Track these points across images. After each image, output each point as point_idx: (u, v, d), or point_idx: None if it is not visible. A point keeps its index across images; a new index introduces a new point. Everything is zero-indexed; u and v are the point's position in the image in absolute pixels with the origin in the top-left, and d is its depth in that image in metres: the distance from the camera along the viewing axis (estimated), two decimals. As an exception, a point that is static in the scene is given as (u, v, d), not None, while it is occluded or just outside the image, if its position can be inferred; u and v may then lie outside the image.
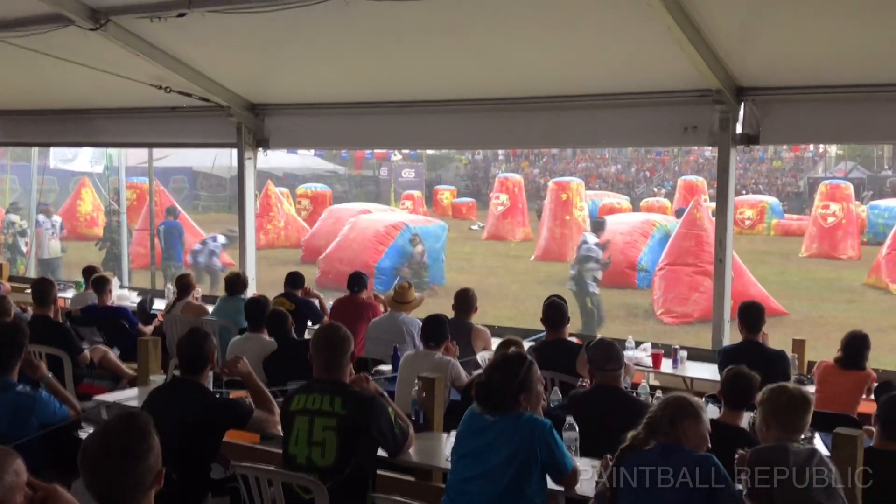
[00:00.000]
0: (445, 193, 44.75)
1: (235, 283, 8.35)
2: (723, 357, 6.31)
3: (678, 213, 18.44)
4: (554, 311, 6.50)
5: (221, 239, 17.97)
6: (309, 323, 7.78)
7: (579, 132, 8.32)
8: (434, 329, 6.08)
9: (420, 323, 7.42)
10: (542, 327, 6.60)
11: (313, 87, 9.27)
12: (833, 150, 54.26)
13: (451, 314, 7.12)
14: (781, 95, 7.22)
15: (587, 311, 13.67)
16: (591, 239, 14.21)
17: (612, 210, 29.20)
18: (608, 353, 4.94)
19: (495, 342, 7.27)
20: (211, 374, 5.69)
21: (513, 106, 8.41)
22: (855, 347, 5.93)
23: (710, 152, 53.48)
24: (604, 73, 7.67)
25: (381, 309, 8.13)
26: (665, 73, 7.34)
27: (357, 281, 8.35)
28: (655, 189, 45.93)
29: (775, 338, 6.92)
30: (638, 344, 7.60)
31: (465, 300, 7.32)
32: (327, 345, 4.31)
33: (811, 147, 52.75)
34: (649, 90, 7.61)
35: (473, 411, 4.04)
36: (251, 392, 4.93)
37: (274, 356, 6.37)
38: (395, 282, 11.45)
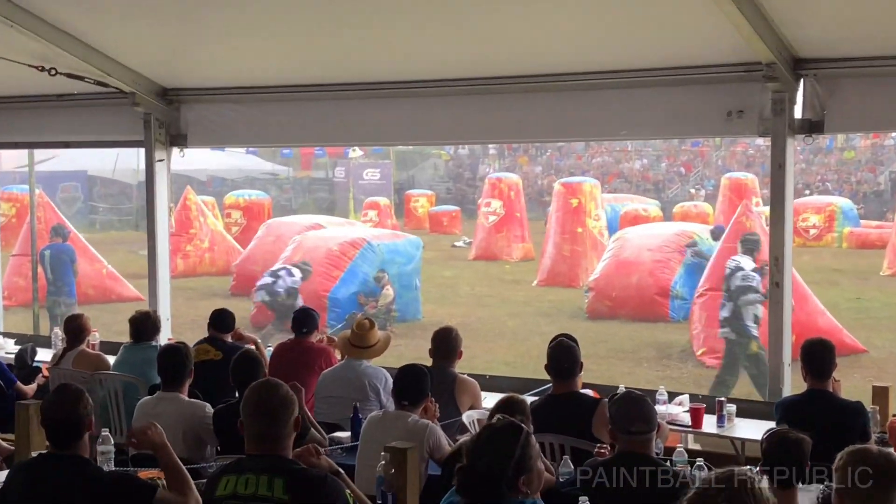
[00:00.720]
0: (420, 200, 44.86)
1: (143, 325, 8.26)
2: (783, 412, 6.30)
3: (714, 234, 18.31)
4: (563, 356, 6.48)
5: (297, 274, 18.01)
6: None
7: (593, 120, 8.35)
8: (410, 384, 6.07)
9: (386, 374, 7.41)
10: (548, 376, 6.58)
11: (245, 66, 9.27)
12: (923, 136, 54.88)
13: (427, 360, 7.09)
14: (853, 68, 7.27)
15: (754, 361, 12.70)
16: (747, 263, 13.42)
17: (636, 219, 29.32)
18: (636, 411, 4.92)
19: (487, 397, 7.28)
20: (111, 445, 5.67)
21: (508, 87, 8.44)
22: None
23: (762, 142, 54.05)
24: (624, 45, 7.72)
25: (337, 356, 8.10)
26: (702, 42, 7.38)
27: (304, 320, 8.29)
28: (693, 190, 46.33)
29: (850, 384, 6.94)
30: (672, 396, 7.60)
31: (446, 342, 7.29)
32: (263, 408, 4.26)
33: (894, 133, 53.23)
34: (682, 65, 7.66)
35: (455, 501, 3.99)
36: (165, 470, 4.88)
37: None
38: (353, 319, 11.41)
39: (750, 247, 13.90)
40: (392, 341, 8.09)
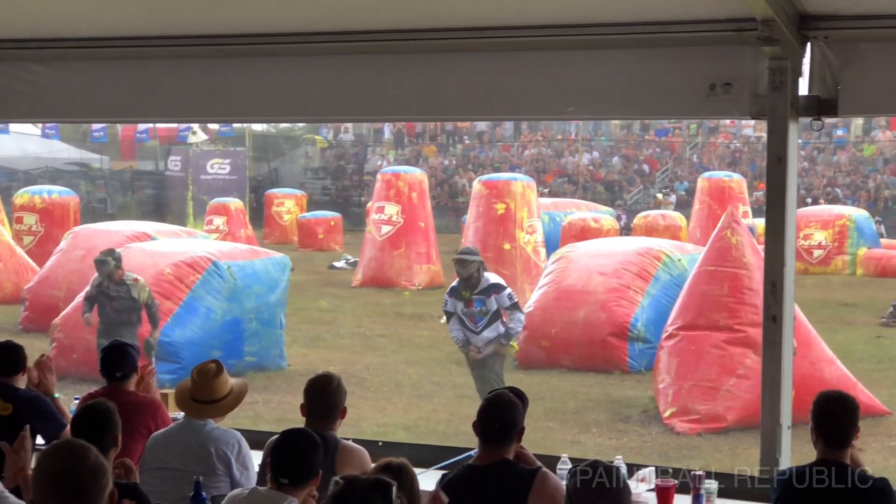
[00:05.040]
0: (287, 203, 44.79)
1: None
2: (781, 491, 6.37)
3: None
4: (496, 414, 6.48)
5: None
6: (39, 438, 7.64)
7: (528, 93, 8.36)
8: (297, 456, 6.13)
9: (240, 438, 7.36)
10: (470, 443, 6.58)
11: (38, 12, 9.13)
12: (963, 126, 56.23)
13: (295, 420, 7.04)
14: (876, 29, 7.39)
15: None
16: None
17: (584, 232, 29.57)
18: (604, 490, 4.94)
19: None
20: None
21: (410, 45, 8.44)
22: None
23: (751, 131, 55.04)
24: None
25: (168, 413, 8.04)
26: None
27: (118, 360, 8.25)
28: (660, 195, 46.91)
29: (868, 455, 7.03)
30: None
31: (324, 396, 7.27)
32: (64, 482, 4.20)
33: (924, 121, 54.49)
34: (650, 20, 7.72)
35: None
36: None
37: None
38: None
39: None
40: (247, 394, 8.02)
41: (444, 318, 14.81)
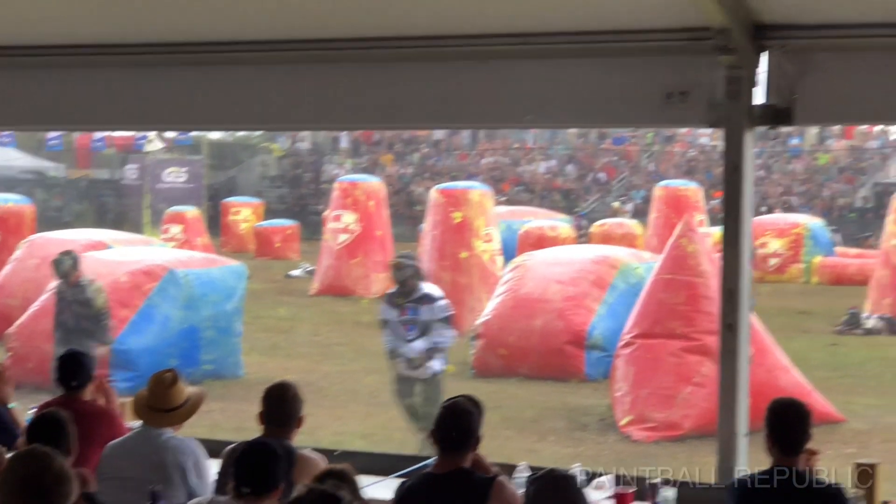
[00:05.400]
0: (244, 211, 44.69)
1: None
2: (737, 498, 6.43)
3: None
4: (452, 422, 6.49)
5: None
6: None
7: (486, 101, 8.39)
8: (259, 465, 6.12)
9: (197, 447, 7.33)
10: (426, 451, 6.57)
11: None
12: (917, 135, 56.62)
13: (252, 430, 7.02)
14: (832, 38, 7.45)
15: None
16: None
17: (541, 240, 29.62)
18: (560, 497, 4.94)
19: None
20: None
21: (367, 54, 8.45)
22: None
23: (707, 139, 55.23)
24: (530, 1, 7.77)
25: (126, 422, 8.01)
26: (634, 0, 7.49)
27: (74, 369, 8.22)
28: (617, 204, 46.99)
29: (824, 462, 7.06)
30: (591, 477, 7.65)
31: (281, 404, 7.26)
32: (29, 487, 4.21)
33: (878, 130, 54.90)
34: (606, 29, 7.74)
35: None
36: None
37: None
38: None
39: None
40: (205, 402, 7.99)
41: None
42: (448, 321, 13.74)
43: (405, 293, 13.65)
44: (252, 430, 7.20)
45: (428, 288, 13.92)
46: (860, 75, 7.52)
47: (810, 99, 7.58)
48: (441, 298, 13.80)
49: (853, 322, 24.33)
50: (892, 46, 7.39)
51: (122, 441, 7.58)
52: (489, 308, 19.91)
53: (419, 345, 13.60)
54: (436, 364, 13.63)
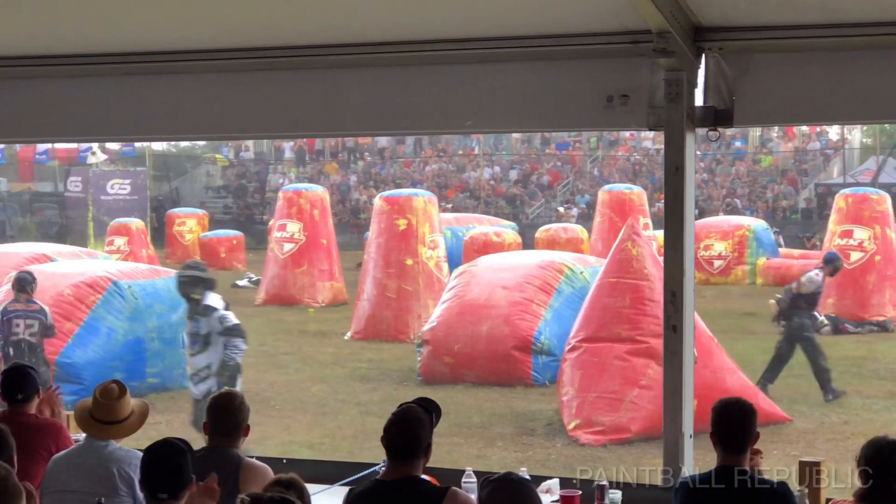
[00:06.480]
0: (188, 222, 44.50)
1: None
2: (683, 498, 6.44)
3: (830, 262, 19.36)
4: (402, 429, 6.44)
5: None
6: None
7: (425, 107, 8.41)
8: (164, 469, 6.04)
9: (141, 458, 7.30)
10: (376, 461, 6.55)
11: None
12: (857, 135, 57.14)
13: (199, 440, 6.98)
14: (770, 40, 7.50)
15: None
16: None
17: (486, 246, 29.70)
18: (510, 499, 4.95)
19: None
20: None
21: (309, 61, 8.44)
22: (883, 466, 6.17)
23: (650, 143, 55.52)
24: (468, 4, 7.78)
25: (71, 434, 7.94)
26: (574, 3, 7.50)
27: (18, 381, 8.16)
28: (561, 209, 47.16)
29: (770, 462, 7.11)
30: (538, 481, 7.65)
31: (227, 414, 7.22)
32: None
33: (819, 131, 55.36)
34: (545, 33, 7.77)
35: None
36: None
37: None
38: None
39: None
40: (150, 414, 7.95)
41: None
42: (234, 332, 13.27)
43: (193, 304, 13.36)
44: (199, 442, 7.15)
45: (211, 299, 13.41)
46: (798, 76, 7.58)
47: (749, 100, 7.63)
48: (218, 309, 13.29)
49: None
50: (828, 47, 7.44)
51: (66, 454, 7.52)
52: (435, 314, 19.90)
53: (200, 360, 13.31)
54: (204, 386, 13.16)
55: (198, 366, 13.30)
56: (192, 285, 13.36)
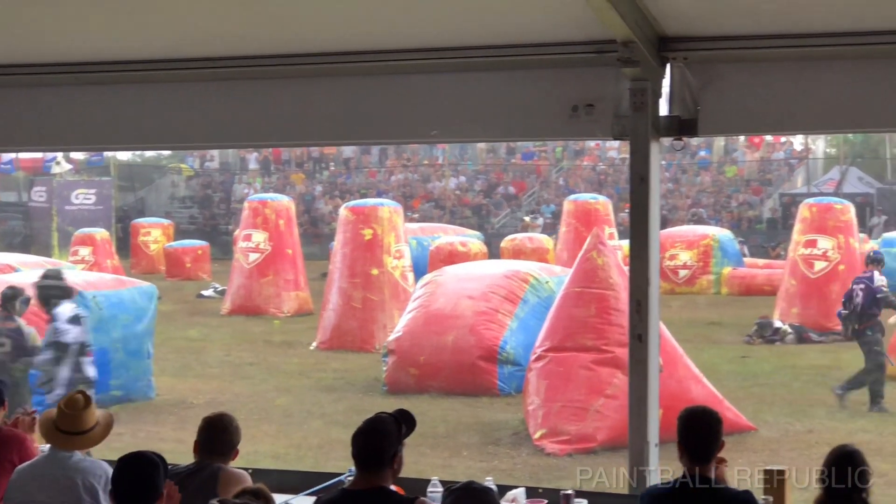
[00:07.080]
0: (153, 232, 44.32)
1: None
2: (649, 507, 6.46)
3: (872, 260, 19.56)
4: (368, 440, 6.43)
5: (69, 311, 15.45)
6: None
7: (391, 116, 8.43)
8: (136, 482, 6.05)
9: (108, 469, 7.26)
10: (341, 468, 6.54)
11: None
12: (821, 145, 57.45)
13: (167, 451, 6.96)
14: (734, 49, 7.57)
15: None
16: None
17: (452, 256, 29.69)
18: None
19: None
20: None
21: (275, 70, 8.46)
22: (843, 473, 6.23)
23: (616, 153, 55.67)
24: (434, 15, 7.80)
25: (35, 445, 7.94)
26: (538, 12, 7.52)
27: (-16, 394, 8.12)
28: (527, 219, 47.17)
29: (735, 471, 7.13)
30: (504, 490, 7.66)
31: (221, 435, 7.29)
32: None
33: (783, 141, 55.63)
34: (511, 42, 7.81)
35: None
36: None
37: None
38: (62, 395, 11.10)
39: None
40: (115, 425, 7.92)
41: None
42: (53, 346, 13.45)
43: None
44: (163, 452, 7.12)
45: (62, 308, 13.69)
46: (762, 86, 7.64)
47: (714, 110, 7.69)
48: (63, 321, 13.53)
49: (762, 331, 24.59)
50: (792, 57, 7.51)
51: (31, 464, 7.50)
52: (401, 324, 19.86)
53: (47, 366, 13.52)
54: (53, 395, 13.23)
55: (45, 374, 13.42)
56: (51, 293, 13.48)
